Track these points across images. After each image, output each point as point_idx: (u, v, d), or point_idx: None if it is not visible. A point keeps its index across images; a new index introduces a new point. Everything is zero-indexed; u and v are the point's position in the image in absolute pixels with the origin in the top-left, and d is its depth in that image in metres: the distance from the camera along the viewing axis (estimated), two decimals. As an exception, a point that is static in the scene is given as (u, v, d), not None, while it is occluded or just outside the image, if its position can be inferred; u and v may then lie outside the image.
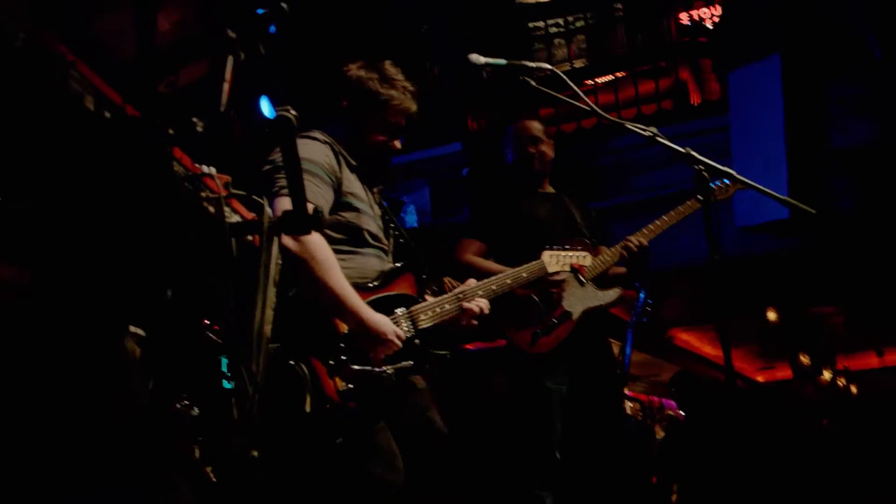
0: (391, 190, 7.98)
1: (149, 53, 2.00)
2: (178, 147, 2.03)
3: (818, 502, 8.34)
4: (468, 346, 6.62)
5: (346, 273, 3.21)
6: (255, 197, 2.36)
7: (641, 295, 5.62)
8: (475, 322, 3.51)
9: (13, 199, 1.77)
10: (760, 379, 20.40)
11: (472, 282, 3.58)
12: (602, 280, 4.73)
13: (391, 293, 3.37)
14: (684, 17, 10.77)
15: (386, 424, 3.20)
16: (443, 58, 8.69)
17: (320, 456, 3.04)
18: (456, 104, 8.59)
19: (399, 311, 3.34)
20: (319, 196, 3.19)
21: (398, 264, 3.50)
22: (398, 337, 3.18)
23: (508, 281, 3.76)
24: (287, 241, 2.94)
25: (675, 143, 3.29)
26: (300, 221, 2.22)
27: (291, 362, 2.95)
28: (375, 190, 3.62)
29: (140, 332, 2.43)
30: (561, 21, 9.77)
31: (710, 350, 15.03)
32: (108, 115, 1.82)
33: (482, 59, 3.56)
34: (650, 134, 3.32)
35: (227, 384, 3.29)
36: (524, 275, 3.88)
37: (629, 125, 3.41)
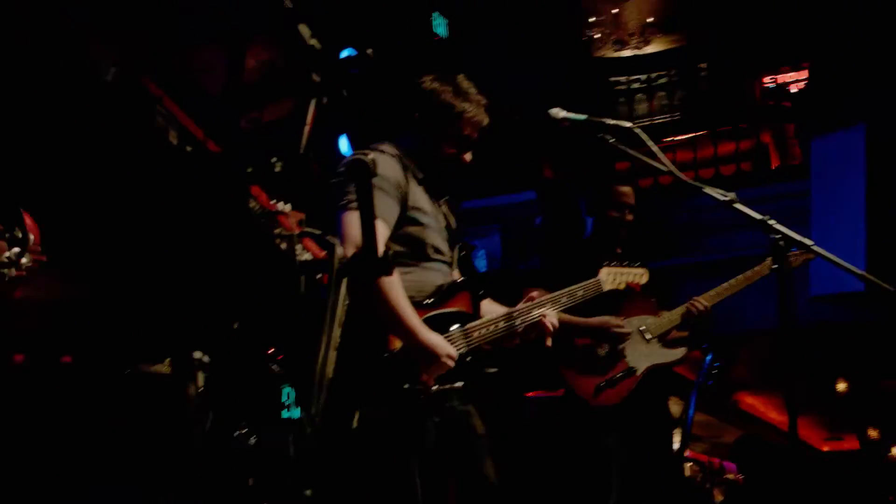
0: (462, 234, 8.01)
1: (235, 90, 2.05)
2: (257, 184, 2.07)
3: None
4: (530, 395, 6.57)
5: (406, 286, 3.24)
6: (328, 238, 2.39)
7: (709, 357, 5.54)
8: (549, 341, 3.50)
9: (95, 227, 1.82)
10: (826, 449, 19.92)
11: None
12: (664, 340, 4.67)
13: (447, 310, 3.35)
14: (769, 81, 10.69)
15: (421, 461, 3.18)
16: (523, 104, 8.74)
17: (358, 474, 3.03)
18: (533, 152, 8.60)
19: (454, 328, 3.33)
20: (385, 210, 3.21)
21: (457, 280, 3.49)
22: (450, 357, 3.18)
23: (564, 299, 3.73)
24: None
25: (753, 206, 3.24)
26: (370, 265, 2.24)
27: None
28: (443, 201, 3.62)
29: (206, 358, 2.47)
30: (643, 77, 9.75)
31: (775, 416, 14.73)
32: (189, 149, 1.86)
33: (562, 114, 3.58)
34: (729, 199, 3.27)
35: (286, 413, 3.31)
36: (580, 293, 3.82)
37: (707, 189, 3.37)
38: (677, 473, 5.99)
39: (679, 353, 4.65)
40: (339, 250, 2.26)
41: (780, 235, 3.14)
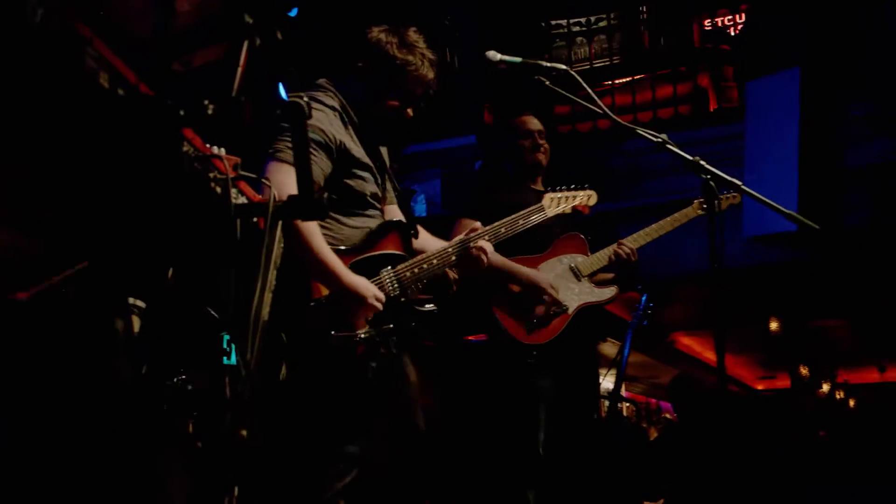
0: (402, 179, 7.99)
1: (166, 32, 2.03)
2: (190, 128, 2.05)
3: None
4: (471, 338, 6.63)
5: (345, 235, 3.25)
6: (263, 180, 2.39)
7: (643, 297, 5.65)
8: (483, 262, 3.53)
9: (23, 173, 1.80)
10: (759, 387, 20.43)
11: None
12: (595, 280, 4.73)
13: (376, 253, 3.37)
14: (708, 24, 10.76)
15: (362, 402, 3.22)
16: (463, 50, 8.70)
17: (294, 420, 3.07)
18: (473, 97, 8.58)
19: (384, 270, 3.36)
20: (315, 165, 3.20)
21: (384, 222, 3.49)
22: (378, 299, 3.20)
23: (503, 230, 3.76)
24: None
25: (690, 149, 3.29)
26: (307, 207, 2.25)
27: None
28: (383, 150, 3.62)
29: (140, 304, 2.46)
30: (583, 20, 9.75)
31: (711, 356, 15.05)
32: (121, 92, 1.85)
33: (498, 56, 3.59)
34: (660, 140, 3.33)
35: (226, 360, 3.32)
36: (520, 221, 3.84)
37: (640, 130, 3.42)
38: (612, 412, 6.12)
39: (610, 292, 4.71)
40: (273, 192, 2.27)
41: (709, 176, 3.20)
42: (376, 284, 3.26)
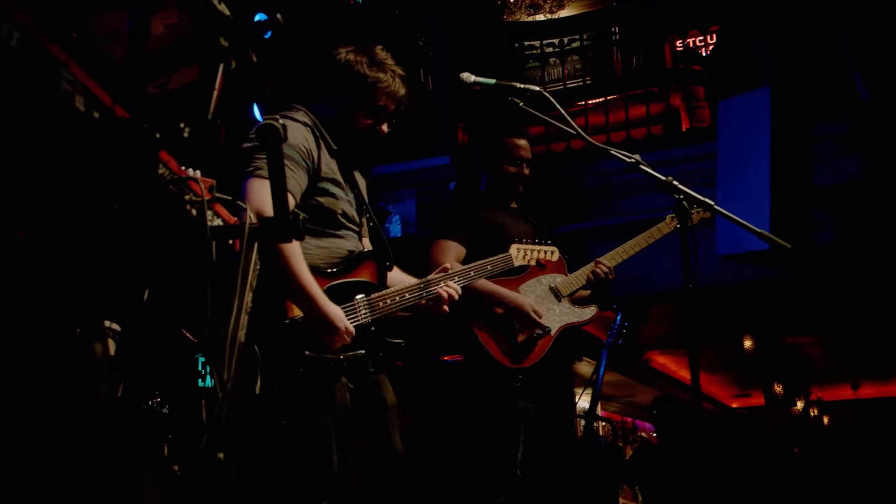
0: (376, 199, 8.01)
1: (141, 55, 2.03)
2: (165, 150, 2.06)
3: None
4: (446, 358, 6.63)
5: (317, 254, 3.26)
6: (239, 203, 2.39)
7: (619, 316, 5.67)
8: (446, 308, 3.55)
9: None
10: (734, 405, 20.51)
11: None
12: (574, 300, 4.76)
13: (351, 280, 3.39)
14: (679, 45, 10.87)
15: (338, 420, 3.21)
16: (437, 70, 8.74)
17: (268, 438, 3.06)
18: (447, 118, 8.61)
19: (359, 297, 3.36)
20: (292, 180, 3.21)
21: (364, 250, 3.52)
22: (348, 332, 3.20)
23: (472, 273, 3.80)
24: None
25: (664, 168, 3.34)
26: (282, 229, 2.25)
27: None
28: (356, 172, 3.63)
29: (115, 327, 2.45)
30: (556, 41, 9.82)
31: (686, 374, 15.12)
32: (97, 115, 1.85)
33: (472, 78, 3.63)
34: (633, 161, 3.37)
35: (202, 383, 3.31)
36: (488, 267, 3.92)
37: (613, 151, 3.47)
38: (588, 431, 6.13)
39: (590, 311, 4.75)
40: (249, 214, 2.27)
41: (682, 196, 3.25)
42: (350, 310, 3.27)
